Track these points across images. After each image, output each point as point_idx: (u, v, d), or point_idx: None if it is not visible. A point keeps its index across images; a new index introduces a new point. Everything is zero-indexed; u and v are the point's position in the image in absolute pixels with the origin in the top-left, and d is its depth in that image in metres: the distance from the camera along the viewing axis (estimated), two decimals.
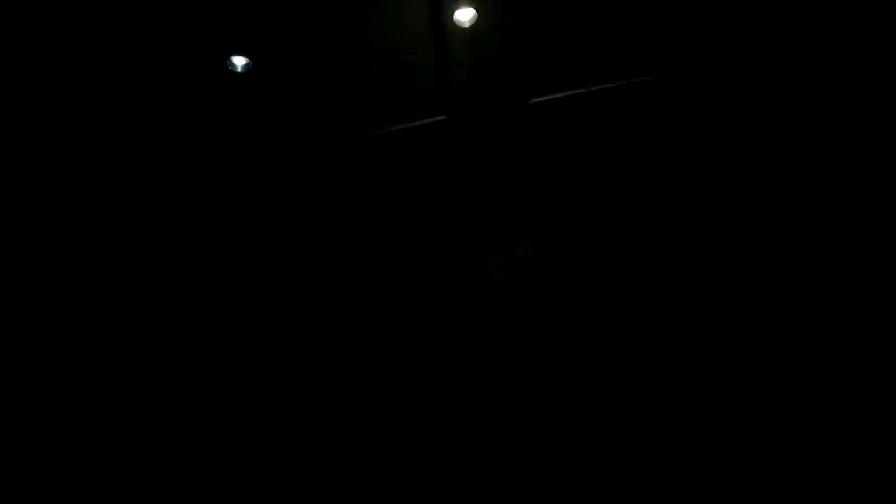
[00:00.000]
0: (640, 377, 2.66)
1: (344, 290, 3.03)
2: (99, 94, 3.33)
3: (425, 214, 2.99)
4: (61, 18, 3.31)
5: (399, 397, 2.86)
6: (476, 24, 2.98)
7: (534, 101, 2.97)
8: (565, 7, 3.01)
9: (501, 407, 2.75)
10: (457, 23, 2.98)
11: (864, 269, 2.54)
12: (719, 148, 2.80)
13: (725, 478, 2.49)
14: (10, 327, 3.10)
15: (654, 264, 2.76)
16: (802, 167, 2.68)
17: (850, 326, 2.51)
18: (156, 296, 3.13)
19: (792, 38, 2.77)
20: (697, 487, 2.50)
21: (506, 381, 2.78)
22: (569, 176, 2.90)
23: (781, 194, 2.69)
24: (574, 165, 2.90)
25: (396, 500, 2.74)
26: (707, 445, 2.53)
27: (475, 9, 2.95)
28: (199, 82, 3.21)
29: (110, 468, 2.95)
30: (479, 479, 2.68)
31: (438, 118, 3.02)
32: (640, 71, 2.91)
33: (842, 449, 2.40)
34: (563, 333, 2.77)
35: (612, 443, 2.61)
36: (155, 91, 3.26)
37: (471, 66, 3.02)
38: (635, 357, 2.69)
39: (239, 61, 3.03)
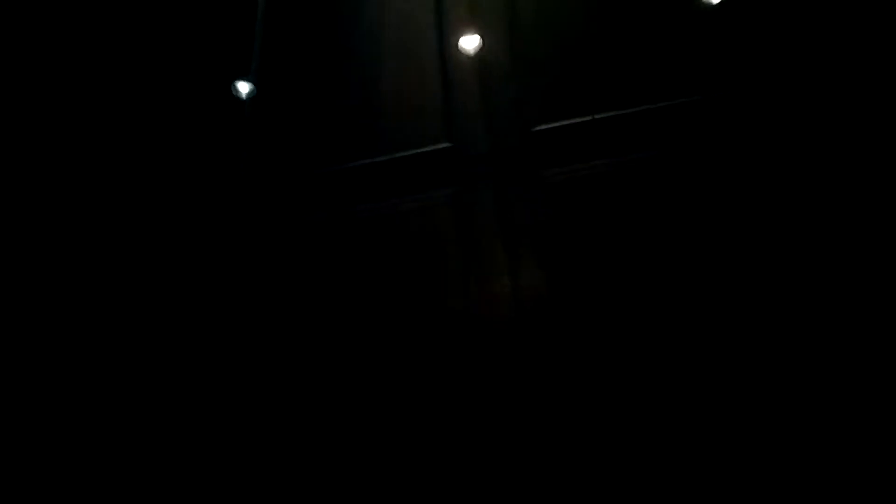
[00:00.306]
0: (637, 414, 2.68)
1: (342, 310, 3.03)
2: (103, 113, 3.32)
3: (427, 240, 3.00)
4: (69, 42, 3.30)
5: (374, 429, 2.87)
6: (481, 52, 2.98)
7: (537, 128, 2.98)
8: (570, 36, 3.01)
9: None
10: (462, 50, 2.98)
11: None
12: (724, 176, 2.81)
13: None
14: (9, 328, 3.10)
15: (656, 291, 2.78)
16: (814, 200, 2.70)
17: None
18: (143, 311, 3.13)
19: (798, 65, 2.79)
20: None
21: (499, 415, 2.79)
22: (571, 203, 2.91)
23: (790, 222, 2.70)
24: (575, 192, 2.91)
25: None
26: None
27: (481, 36, 2.95)
28: (203, 106, 3.21)
29: (107, 468, 2.96)
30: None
31: (443, 145, 3.03)
32: (643, 99, 2.92)
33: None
34: (564, 362, 2.78)
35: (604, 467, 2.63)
36: (160, 113, 3.26)
37: (476, 93, 3.03)
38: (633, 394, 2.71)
39: (243, 87, 3.03)
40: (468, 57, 3.00)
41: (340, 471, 2.81)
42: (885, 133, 2.60)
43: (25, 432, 2.99)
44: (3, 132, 3.25)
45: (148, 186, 3.23)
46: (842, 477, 2.40)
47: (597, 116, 2.95)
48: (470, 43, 2.95)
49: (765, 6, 2.81)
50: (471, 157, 3.01)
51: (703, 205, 2.76)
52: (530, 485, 2.66)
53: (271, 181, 3.15)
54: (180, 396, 3.00)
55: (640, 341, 2.68)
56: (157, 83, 3.24)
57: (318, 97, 3.17)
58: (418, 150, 3.05)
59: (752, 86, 2.79)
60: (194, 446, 2.92)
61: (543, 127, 2.98)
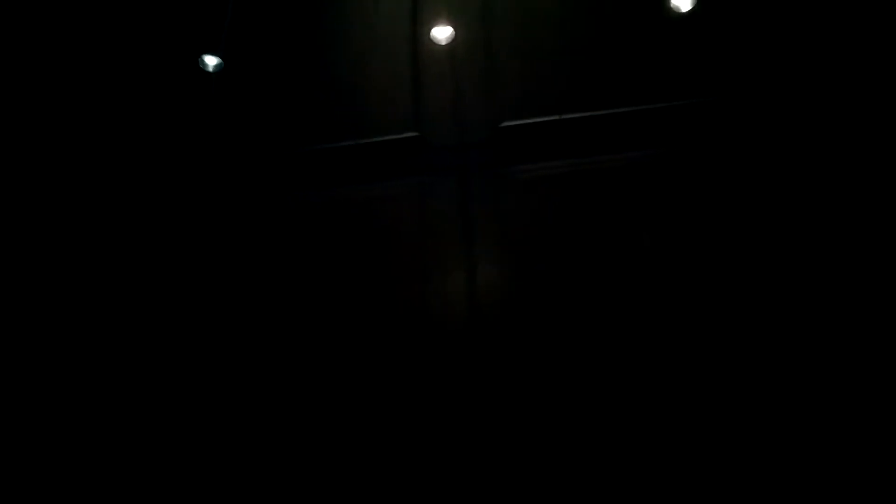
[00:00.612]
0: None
1: (297, 294, 2.95)
2: (67, 88, 3.22)
3: (388, 227, 2.95)
4: (30, 13, 3.20)
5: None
6: (454, 44, 2.96)
7: (507, 124, 2.96)
8: (546, 34, 3.01)
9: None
10: (435, 41, 2.96)
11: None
12: (696, 181, 2.81)
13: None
14: None
15: (613, 292, 2.76)
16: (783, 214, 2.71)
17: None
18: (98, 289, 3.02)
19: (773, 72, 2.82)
20: None
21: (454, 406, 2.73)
22: (535, 199, 2.89)
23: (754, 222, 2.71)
24: (541, 190, 2.89)
25: None
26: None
27: (454, 28, 2.94)
28: (170, 80, 3.13)
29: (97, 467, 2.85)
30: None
31: (410, 134, 2.99)
32: (616, 102, 2.92)
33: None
34: (516, 357, 2.73)
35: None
36: (126, 87, 3.17)
37: (446, 84, 3.00)
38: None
39: (211, 61, 2.96)
40: (441, 48, 2.97)
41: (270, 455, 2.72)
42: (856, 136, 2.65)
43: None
44: None
45: (103, 158, 3.12)
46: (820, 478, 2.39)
47: (566, 116, 2.94)
48: (443, 34, 2.93)
49: (742, 14, 2.84)
50: (437, 147, 2.98)
51: (673, 208, 2.77)
52: (482, 481, 2.59)
53: (229, 159, 3.08)
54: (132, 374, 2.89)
55: (595, 339, 2.67)
56: (120, 54, 3.16)
57: (286, 78, 3.12)
58: (385, 138, 3.00)
59: (729, 94, 2.81)
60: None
61: (513, 123, 2.96)
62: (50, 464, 2.83)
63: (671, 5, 2.85)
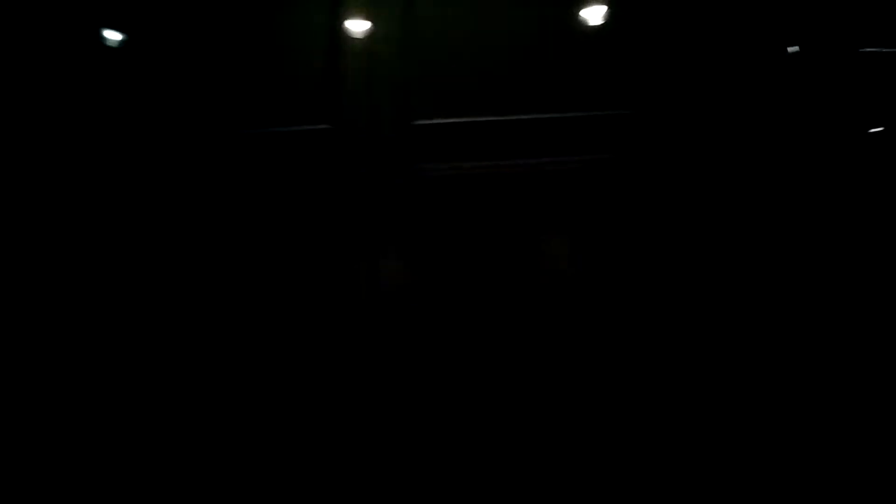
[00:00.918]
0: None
1: (208, 283, 2.86)
2: None
3: (296, 218, 2.89)
4: None
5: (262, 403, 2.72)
6: (370, 38, 2.93)
7: (420, 122, 2.95)
8: (464, 35, 3.01)
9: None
10: (351, 34, 2.92)
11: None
12: (603, 187, 2.89)
13: None
14: None
15: (512, 294, 2.80)
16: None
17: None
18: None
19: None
20: None
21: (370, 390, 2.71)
22: (444, 199, 2.90)
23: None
24: (451, 190, 2.90)
25: None
26: None
27: (371, 22, 2.91)
28: (66, 57, 2.96)
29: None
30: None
31: (322, 126, 2.94)
32: (526, 108, 2.96)
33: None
34: (424, 347, 2.75)
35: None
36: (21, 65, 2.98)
37: (361, 78, 2.96)
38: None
39: (112, 35, 2.83)
40: (357, 41, 2.94)
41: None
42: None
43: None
44: None
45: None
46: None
47: (481, 119, 2.96)
48: (359, 27, 2.90)
49: (655, 31, 2.94)
50: (348, 141, 2.93)
51: (584, 216, 2.85)
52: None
53: (137, 143, 2.94)
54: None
55: (493, 340, 2.72)
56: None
57: (196, 61, 3.00)
58: (295, 128, 2.94)
59: (652, 106, 2.92)
60: None
61: (426, 122, 2.96)
62: (43, 458, 2.69)
63: (583, 18, 2.92)
